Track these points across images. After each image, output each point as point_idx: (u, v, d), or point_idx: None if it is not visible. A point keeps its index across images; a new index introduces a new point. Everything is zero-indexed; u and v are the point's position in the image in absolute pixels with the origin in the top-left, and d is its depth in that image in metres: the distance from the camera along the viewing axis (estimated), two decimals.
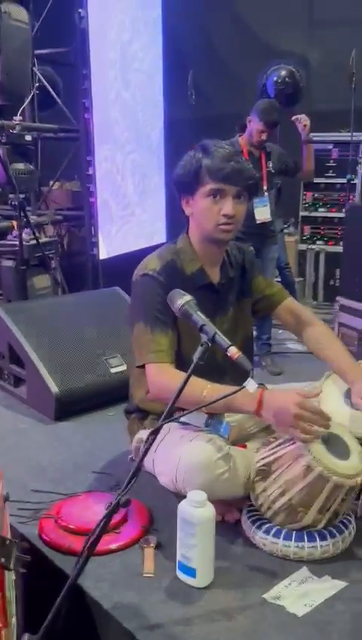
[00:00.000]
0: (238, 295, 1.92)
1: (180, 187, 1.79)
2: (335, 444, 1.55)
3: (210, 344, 1.38)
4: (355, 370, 1.77)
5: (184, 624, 1.34)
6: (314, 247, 5.17)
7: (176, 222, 1.92)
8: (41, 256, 3.65)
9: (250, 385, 1.33)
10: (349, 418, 1.68)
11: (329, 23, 5.37)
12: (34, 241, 3.54)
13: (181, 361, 1.72)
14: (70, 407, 2.54)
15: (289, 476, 1.51)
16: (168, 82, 5.19)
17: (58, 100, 4.39)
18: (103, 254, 4.31)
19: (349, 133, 4.71)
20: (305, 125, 3.59)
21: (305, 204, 5.15)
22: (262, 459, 1.59)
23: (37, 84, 4.11)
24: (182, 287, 1.57)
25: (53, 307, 3.00)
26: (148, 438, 1.33)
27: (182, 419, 1.67)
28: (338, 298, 3.42)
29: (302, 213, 5.18)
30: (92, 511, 1.69)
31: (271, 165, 3.63)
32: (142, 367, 1.73)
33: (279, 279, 4.38)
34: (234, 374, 1.72)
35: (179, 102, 5.11)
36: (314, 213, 5.15)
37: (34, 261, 3.59)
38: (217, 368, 1.74)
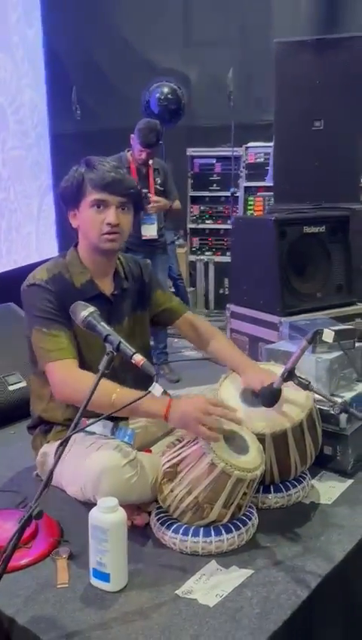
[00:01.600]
0: (134, 307, 1.98)
1: (65, 200, 1.85)
2: (235, 441, 1.65)
3: (115, 353, 1.43)
4: (247, 362, 1.95)
5: (101, 628, 1.36)
6: (203, 257, 5.37)
7: (68, 235, 1.96)
8: None
9: (156, 389, 1.40)
10: (246, 415, 1.78)
11: (206, 44, 5.63)
12: None
13: (82, 368, 1.76)
14: None
15: (195, 475, 1.59)
16: (52, 98, 5.19)
17: None
18: None
19: (230, 148, 4.96)
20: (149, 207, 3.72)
21: (193, 216, 5.34)
22: (168, 461, 1.65)
23: None
24: (72, 300, 1.62)
25: None
26: (57, 449, 1.35)
27: (88, 428, 1.70)
28: (228, 305, 3.57)
29: (190, 226, 5.37)
30: (1, 529, 1.67)
31: (158, 182, 3.74)
32: (43, 374, 1.76)
33: (173, 290, 4.51)
34: (132, 381, 1.78)
35: (65, 117, 5.12)
36: (201, 225, 5.35)
37: None
38: (115, 375, 1.79)
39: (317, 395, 1.82)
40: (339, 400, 1.66)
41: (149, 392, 1.40)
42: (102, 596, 1.47)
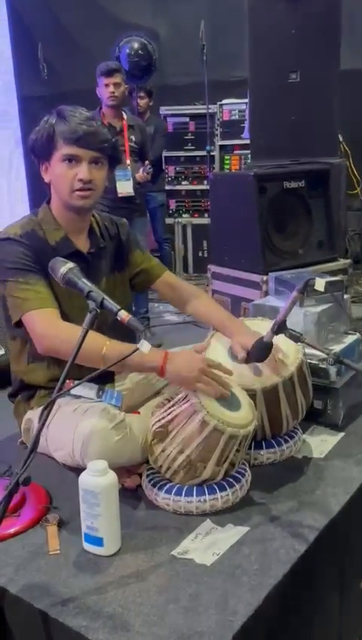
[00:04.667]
0: (112, 267, 1.90)
1: (36, 153, 1.75)
2: (226, 398, 1.60)
3: (98, 310, 1.36)
4: (235, 324, 1.86)
5: (97, 593, 1.32)
6: (180, 220, 5.26)
7: (40, 195, 1.87)
8: None
9: (144, 346, 1.33)
10: (236, 371, 1.73)
11: None
12: None
13: None
14: None
15: (186, 433, 1.54)
16: (18, 59, 4.99)
17: None
18: None
19: (204, 106, 4.82)
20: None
21: (168, 178, 5.21)
22: (158, 421, 1.60)
23: None
24: (47, 257, 1.53)
25: None
26: (42, 413, 1.29)
27: (72, 392, 1.63)
28: (209, 266, 3.51)
29: (166, 187, 5.24)
30: None
31: (133, 140, 3.62)
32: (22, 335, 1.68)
33: (157, 254, 4.43)
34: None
35: (32, 78, 4.94)
36: (177, 187, 5.23)
37: None
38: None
39: (306, 349, 1.78)
40: (333, 350, 1.61)
41: (137, 348, 1.33)
42: (96, 561, 1.43)
